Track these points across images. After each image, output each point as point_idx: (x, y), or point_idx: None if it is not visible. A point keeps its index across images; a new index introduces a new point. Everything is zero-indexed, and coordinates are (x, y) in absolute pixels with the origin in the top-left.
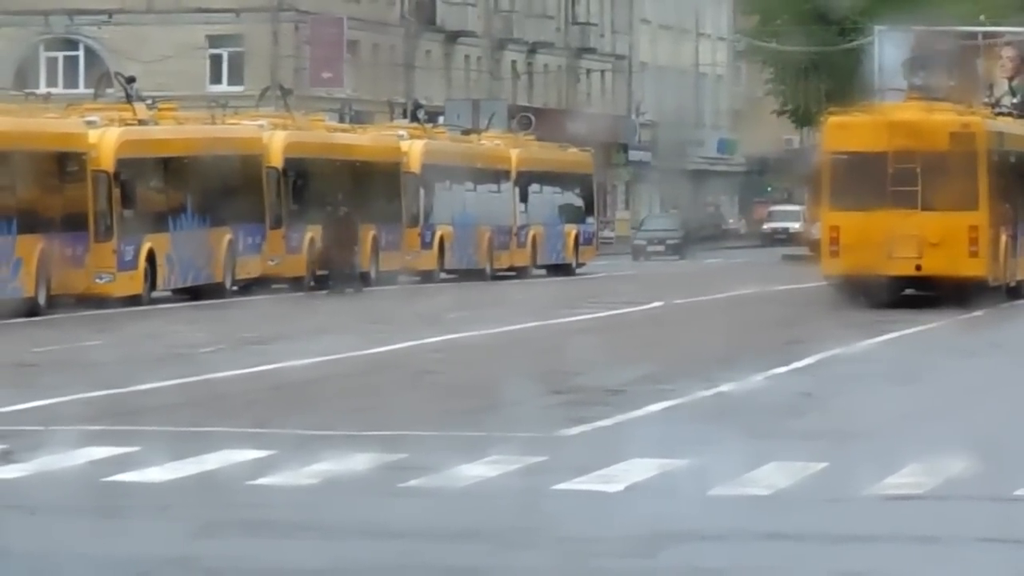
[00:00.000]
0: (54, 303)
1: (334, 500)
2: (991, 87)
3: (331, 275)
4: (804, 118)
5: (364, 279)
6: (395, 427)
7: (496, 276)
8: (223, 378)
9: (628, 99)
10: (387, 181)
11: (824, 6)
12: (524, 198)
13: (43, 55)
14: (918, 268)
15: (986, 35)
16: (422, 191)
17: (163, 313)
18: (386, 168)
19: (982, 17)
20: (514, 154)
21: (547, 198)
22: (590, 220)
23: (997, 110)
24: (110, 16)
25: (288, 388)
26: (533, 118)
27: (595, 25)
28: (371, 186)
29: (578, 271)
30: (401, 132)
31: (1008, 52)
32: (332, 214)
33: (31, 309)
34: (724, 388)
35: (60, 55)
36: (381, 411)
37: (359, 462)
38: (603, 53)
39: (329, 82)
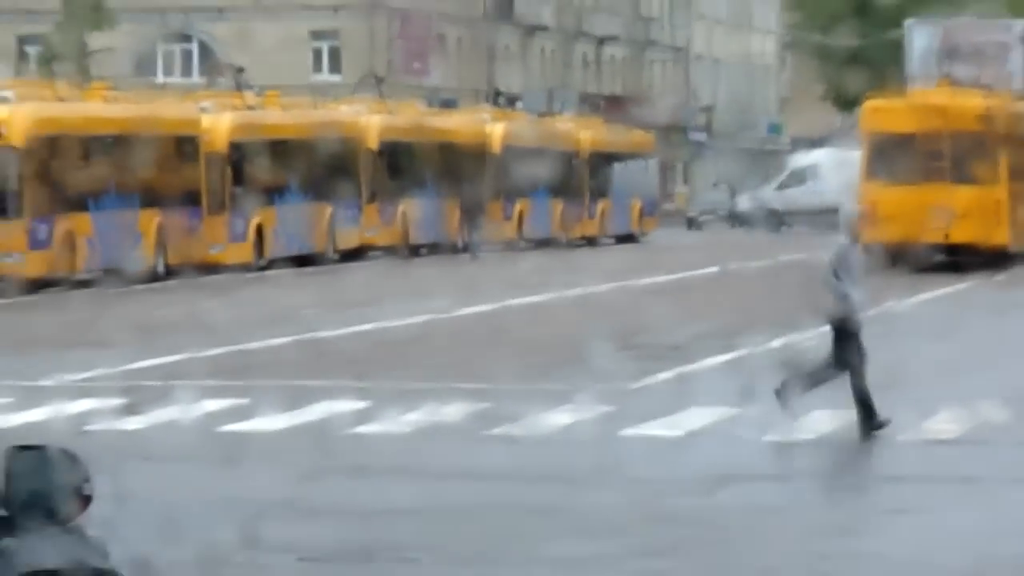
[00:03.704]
0: (172, 271)
1: (426, 446)
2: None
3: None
4: (845, 103)
5: (453, 248)
6: (481, 380)
7: (569, 245)
8: (326, 337)
9: (686, 86)
10: (472, 160)
11: (859, 2)
12: (593, 175)
13: (161, 48)
14: (947, 237)
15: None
16: (503, 169)
17: (271, 279)
18: (471, 148)
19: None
20: (584, 135)
21: (614, 175)
22: (652, 194)
23: None
24: (221, 12)
25: (385, 345)
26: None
27: (656, 20)
28: (458, 165)
29: (642, 240)
30: (484, 116)
31: None
32: (466, 193)
33: (151, 276)
34: (774, 344)
35: (176, 48)
36: (469, 366)
37: (449, 412)
38: (664, 45)
39: (418, 71)
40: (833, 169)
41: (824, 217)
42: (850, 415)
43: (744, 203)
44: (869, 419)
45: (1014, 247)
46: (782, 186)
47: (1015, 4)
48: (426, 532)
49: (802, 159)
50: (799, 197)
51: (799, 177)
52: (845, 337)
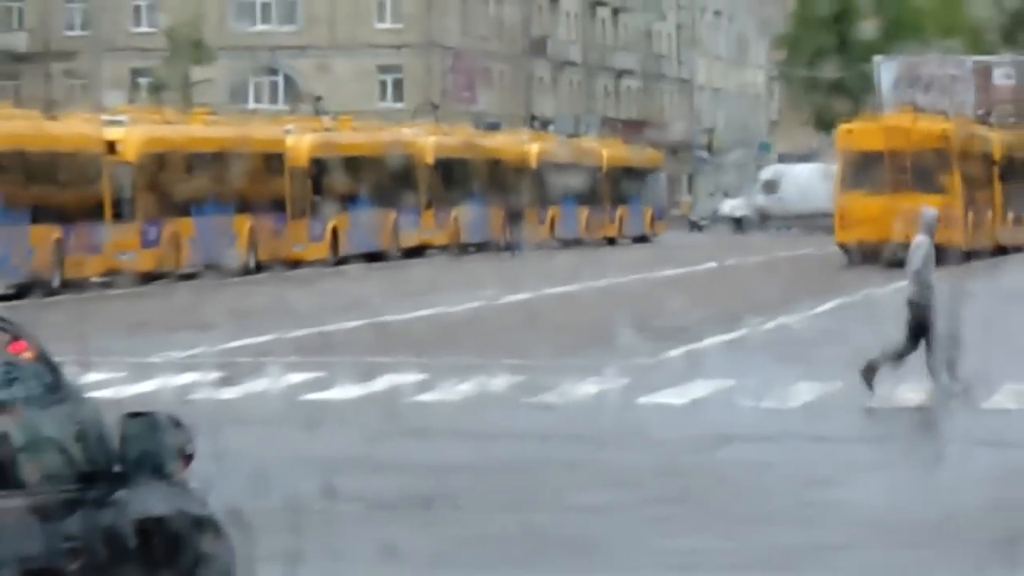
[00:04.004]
0: (261, 266)
1: (475, 412)
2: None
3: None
4: (825, 126)
5: (497, 247)
6: (522, 357)
7: (594, 244)
8: (392, 320)
9: (691, 112)
10: (513, 173)
11: (838, 42)
12: (613, 186)
13: (252, 80)
14: (907, 237)
15: (976, 62)
16: (538, 181)
17: (344, 273)
18: (511, 164)
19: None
20: (605, 153)
21: (630, 185)
22: (661, 202)
23: (986, 120)
24: (303, 50)
25: (442, 327)
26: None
27: (666, 56)
28: (501, 177)
29: (653, 240)
30: (523, 137)
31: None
32: (508, 200)
33: (244, 271)
34: (765, 327)
35: (265, 80)
36: (512, 344)
37: (495, 383)
38: (672, 78)
39: (467, 100)
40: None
41: (794, 220)
42: (827, 386)
43: (725, 209)
44: (948, 386)
45: (968, 247)
46: (755, 195)
47: (972, 42)
48: (474, 483)
49: (767, 172)
50: (770, 205)
51: (771, 188)
52: (924, 319)
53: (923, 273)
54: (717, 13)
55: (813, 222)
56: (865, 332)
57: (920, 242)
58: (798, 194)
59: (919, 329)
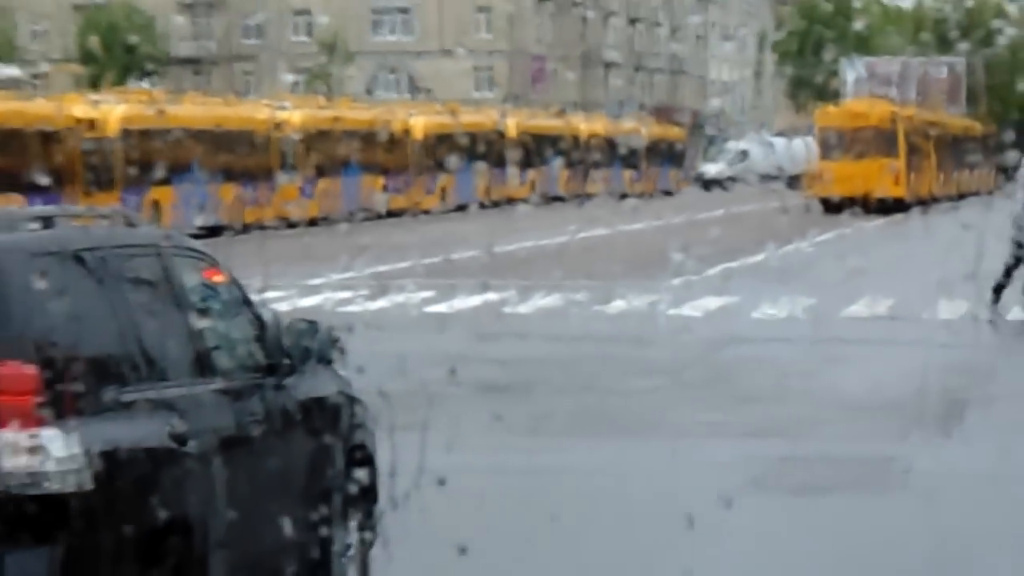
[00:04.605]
0: (392, 213)
1: (559, 318)
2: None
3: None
4: (807, 110)
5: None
6: (596, 277)
7: (634, 197)
8: (499, 251)
9: (705, 99)
10: (573, 145)
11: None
12: (648, 154)
13: (382, 76)
14: (869, 192)
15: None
16: (590, 150)
17: (455, 217)
18: (572, 137)
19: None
20: (643, 130)
21: (660, 153)
22: (682, 166)
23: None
24: (419, 55)
25: (536, 255)
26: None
27: (687, 58)
28: (566, 148)
29: (676, 195)
30: (580, 118)
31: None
32: (572, 164)
33: (378, 216)
34: (757, 258)
35: (392, 76)
36: (589, 267)
37: (554, 299)
38: (691, 74)
39: (540, 91)
40: (768, 148)
41: (756, 180)
42: (805, 301)
43: (709, 172)
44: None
45: (909, 199)
46: (730, 163)
47: (921, 47)
48: (556, 372)
49: (729, 145)
50: (739, 170)
51: (735, 156)
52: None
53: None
54: (725, 27)
55: (768, 182)
56: (831, 261)
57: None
58: (760, 162)
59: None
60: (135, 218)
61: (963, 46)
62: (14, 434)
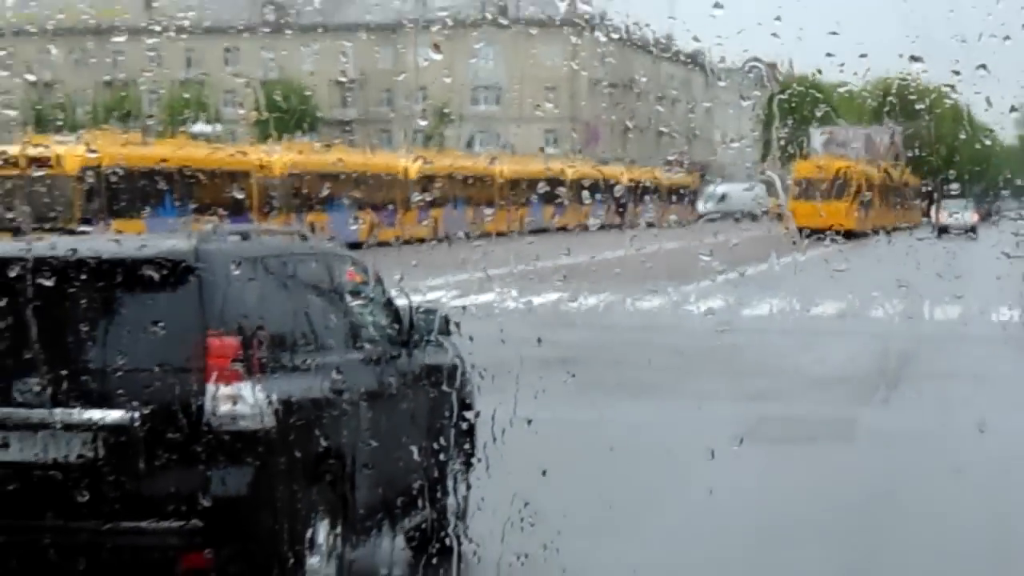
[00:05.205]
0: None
1: (610, 310)
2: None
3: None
4: (785, 163)
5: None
6: (643, 281)
7: (659, 227)
8: (570, 262)
9: (708, 155)
10: (616, 187)
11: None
12: (668, 194)
13: (477, 136)
14: (829, 225)
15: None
16: (628, 191)
17: (528, 238)
18: (621, 181)
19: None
20: (664, 176)
21: (679, 193)
22: (692, 203)
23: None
24: (503, 121)
25: (599, 265)
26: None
27: (693, 127)
28: (611, 188)
29: (687, 226)
30: (621, 168)
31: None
32: (618, 201)
33: (468, 236)
34: (782, 260)
35: (479, 135)
36: (636, 275)
37: (600, 298)
38: (700, 137)
39: (593, 148)
40: (739, 193)
41: (733, 216)
42: (782, 303)
43: (699, 209)
44: None
45: (857, 229)
46: (715, 203)
47: (868, 119)
48: (598, 351)
49: (715, 190)
50: (720, 207)
51: (718, 198)
52: None
53: None
54: (726, 103)
55: (741, 216)
56: (802, 276)
57: None
58: (734, 202)
59: None
60: (307, 234)
61: (899, 118)
62: (221, 387)
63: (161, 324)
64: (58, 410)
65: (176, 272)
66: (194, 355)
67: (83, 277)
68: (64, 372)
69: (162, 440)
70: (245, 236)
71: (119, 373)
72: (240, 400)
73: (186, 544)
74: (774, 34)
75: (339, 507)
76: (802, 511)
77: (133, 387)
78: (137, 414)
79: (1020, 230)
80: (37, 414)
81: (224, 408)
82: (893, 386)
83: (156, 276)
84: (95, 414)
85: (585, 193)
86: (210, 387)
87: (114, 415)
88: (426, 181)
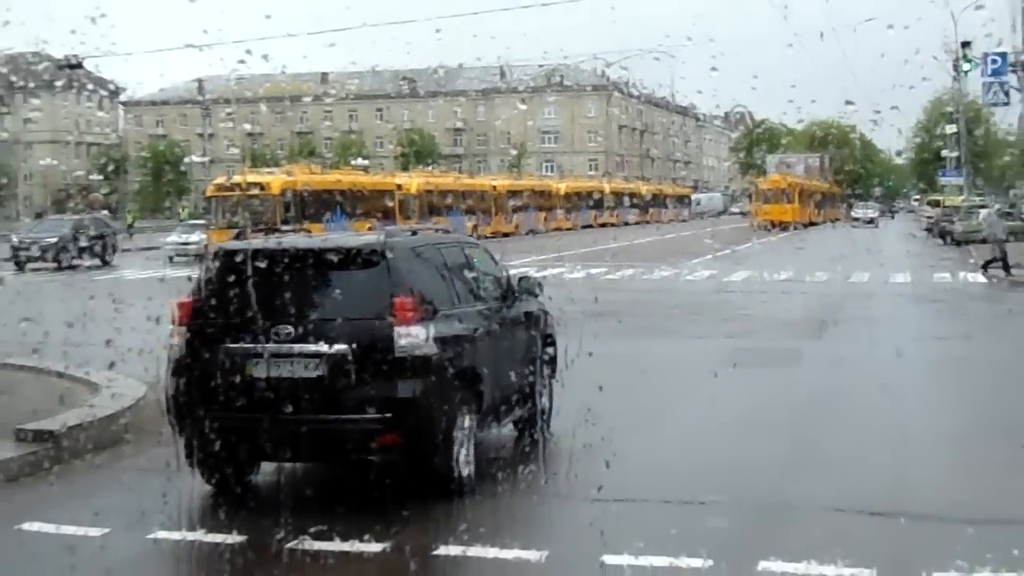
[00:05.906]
0: (530, 231)
1: (636, 279)
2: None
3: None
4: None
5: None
6: (660, 260)
7: (664, 225)
8: (610, 246)
9: (698, 175)
10: (637, 196)
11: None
12: (671, 202)
13: (542, 164)
14: (783, 219)
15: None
16: (648, 200)
17: (580, 232)
18: (641, 194)
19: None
20: (668, 189)
21: (675, 201)
22: (687, 207)
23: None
24: (562, 153)
25: (629, 248)
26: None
27: (686, 156)
28: (633, 197)
29: (686, 221)
30: (643, 184)
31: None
32: (640, 206)
33: (526, 232)
34: (761, 240)
35: (548, 163)
36: (661, 254)
37: (635, 269)
38: (694, 163)
39: (623, 171)
40: (711, 200)
41: (709, 216)
42: (761, 275)
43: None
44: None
45: (797, 223)
46: (698, 207)
47: (806, 148)
48: (629, 307)
49: (697, 197)
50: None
51: (697, 202)
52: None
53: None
54: (711, 140)
55: (714, 215)
56: (767, 255)
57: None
58: (708, 205)
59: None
60: (449, 229)
61: (828, 148)
62: (402, 328)
63: (364, 289)
64: (298, 345)
65: (374, 256)
66: (385, 308)
67: (314, 260)
68: (302, 321)
69: (365, 363)
70: (413, 232)
71: (338, 321)
72: (415, 336)
73: (381, 428)
74: (753, 88)
75: (475, 405)
76: (767, 412)
77: (347, 330)
78: (349, 347)
79: (920, 217)
80: (286, 348)
81: (404, 342)
82: (823, 327)
83: (360, 258)
84: (323, 347)
85: (616, 201)
86: (397, 329)
87: (336, 347)
88: (510, 194)
